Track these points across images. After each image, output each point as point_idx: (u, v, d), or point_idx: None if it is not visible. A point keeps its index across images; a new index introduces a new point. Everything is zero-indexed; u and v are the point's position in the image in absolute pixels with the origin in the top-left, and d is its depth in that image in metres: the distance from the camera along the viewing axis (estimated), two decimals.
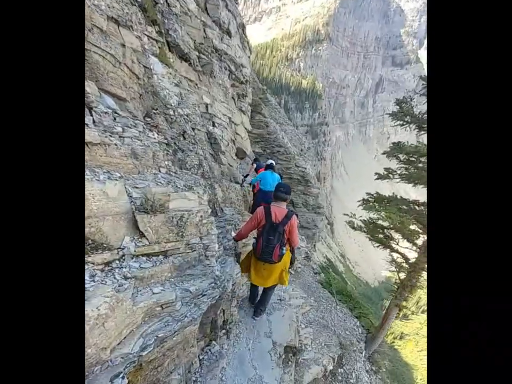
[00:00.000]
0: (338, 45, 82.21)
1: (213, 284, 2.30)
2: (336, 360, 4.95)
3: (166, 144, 3.29)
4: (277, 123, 16.53)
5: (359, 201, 6.51)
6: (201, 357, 2.66)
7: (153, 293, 1.87)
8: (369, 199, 6.32)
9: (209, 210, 2.58)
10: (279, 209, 2.93)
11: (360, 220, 6.79)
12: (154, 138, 2.94)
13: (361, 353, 5.85)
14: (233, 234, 3.46)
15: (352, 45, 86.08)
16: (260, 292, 3.87)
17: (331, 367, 4.71)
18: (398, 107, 5.82)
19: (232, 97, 6.97)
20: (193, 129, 4.39)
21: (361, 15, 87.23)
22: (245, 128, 7.73)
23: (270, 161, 6.16)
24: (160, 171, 2.74)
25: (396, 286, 5.90)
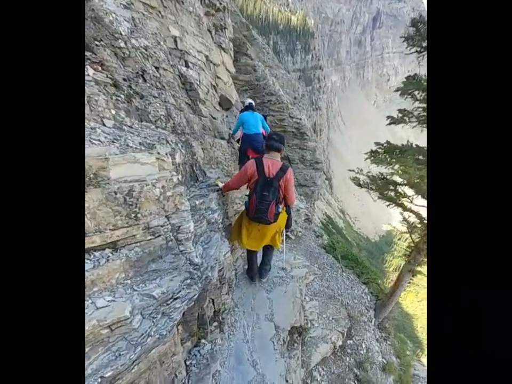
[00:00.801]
0: None
1: (189, 280, 1.77)
2: (345, 334, 4.76)
3: (114, 86, 2.53)
4: (266, 66, 15.01)
5: (366, 153, 5.89)
6: (188, 362, 2.24)
7: (96, 308, 1.32)
8: (379, 149, 5.70)
9: (177, 178, 1.96)
10: (272, 162, 2.76)
11: (367, 176, 6.27)
12: (91, 79, 2.20)
13: (371, 321, 5.73)
14: (221, 184, 3.21)
15: None
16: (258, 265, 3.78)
17: (340, 343, 4.51)
18: (413, 28, 4.91)
19: (208, 30, 5.87)
20: (156, 68, 3.55)
21: None
22: (228, 71, 6.72)
23: (249, 100, 5.63)
24: (104, 124, 2.04)
25: (409, 250, 5.58)
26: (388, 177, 5.66)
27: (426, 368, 8.35)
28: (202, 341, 2.40)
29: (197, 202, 2.66)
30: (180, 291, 1.66)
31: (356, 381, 4.18)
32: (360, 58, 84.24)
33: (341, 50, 78.60)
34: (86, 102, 1.96)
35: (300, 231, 7.04)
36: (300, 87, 22.44)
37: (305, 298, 4.77)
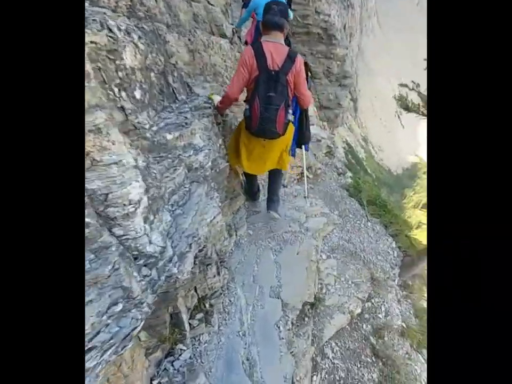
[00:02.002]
0: None
1: (122, 302, 1.06)
2: (365, 300, 4.37)
3: None
4: None
5: (425, 59, 4.57)
6: (155, 383, 1.70)
7: None
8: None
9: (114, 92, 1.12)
10: (275, 47, 2.26)
11: (420, 94, 5.13)
12: None
13: (394, 280, 5.35)
14: (217, 99, 2.64)
15: None
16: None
17: (359, 310, 4.13)
18: None
19: None
20: None
21: None
22: None
23: None
24: None
25: None
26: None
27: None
28: (179, 346, 1.84)
29: (169, 136, 1.84)
30: (103, 327, 0.96)
31: (373, 356, 3.90)
32: None
33: None
34: None
35: (319, 168, 6.25)
36: None
37: (321, 256, 4.25)
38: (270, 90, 2.24)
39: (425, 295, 7.43)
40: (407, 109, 4.84)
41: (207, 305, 2.14)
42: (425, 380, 4.85)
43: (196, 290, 2.00)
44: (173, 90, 2.27)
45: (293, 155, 3.44)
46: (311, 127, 7.59)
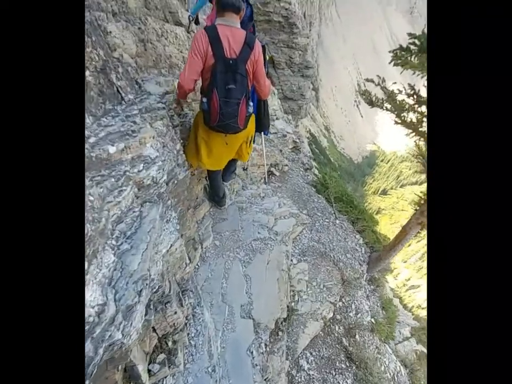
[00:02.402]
0: None
1: None
2: (337, 302, 4.28)
3: None
4: None
5: (391, 51, 4.36)
6: None
7: None
8: (411, 46, 4.13)
9: None
10: (232, 32, 2.04)
11: (384, 89, 5.00)
12: None
13: (363, 277, 5.34)
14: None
15: None
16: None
17: (331, 315, 4.03)
18: None
19: None
20: None
21: None
22: None
23: None
24: None
25: (421, 196, 4.81)
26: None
27: (409, 315, 8.62)
28: None
29: (112, 149, 1.50)
30: None
31: (347, 361, 3.82)
32: None
33: None
34: None
35: (286, 165, 6.06)
36: None
37: (291, 261, 4.08)
38: (229, 82, 2.01)
39: (391, 285, 7.54)
40: (371, 103, 4.71)
41: (169, 344, 1.84)
42: (393, 370, 4.96)
43: (154, 331, 1.69)
44: (118, 90, 1.90)
45: (266, 134, 3.49)
46: (276, 121, 7.40)
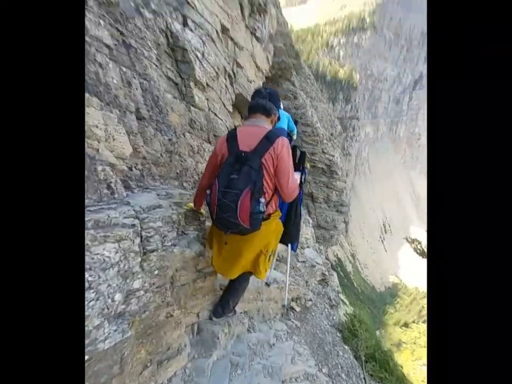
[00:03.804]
0: (382, 35, 73.60)
1: None
2: None
3: None
4: (308, 97, 12.93)
5: None
6: None
7: None
8: None
9: None
10: (252, 129, 1.61)
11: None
12: None
13: None
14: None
15: (396, 36, 76.94)
16: None
17: None
18: None
19: (240, 4, 3.81)
20: None
21: (409, 6, 77.89)
22: (256, 65, 4.60)
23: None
24: None
25: None
26: None
27: None
28: None
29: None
30: None
31: None
32: (396, 115, 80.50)
33: (379, 105, 75.87)
34: None
35: (310, 299, 4.49)
36: (338, 123, 20.05)
37: None
38: (233, 172, 1.49)
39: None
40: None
41: None
42: None
43: None
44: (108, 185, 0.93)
45: (294, 250, 2.29)
46: (306, 249, 6.07)
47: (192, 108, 2.88)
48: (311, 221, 7.82)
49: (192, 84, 2.90)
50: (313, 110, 12.61)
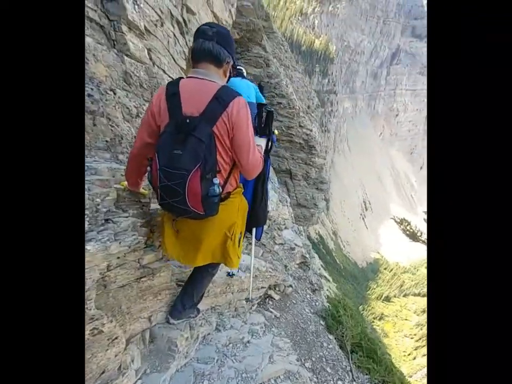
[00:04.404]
0: (358, 6, 72.42)
1: None
2: None
3: None
4: (281, 65, 12.19)
5: None
6: None
7: None
8: None
9: None
10: (199, 85, 1.19)
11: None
12: None
13: None
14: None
15: (372, 7, 75.82)
16: None
17: None
18: None
19: None
20: None
21: None
22: (215, 15, 3.89)
23: (239, 66, 3.70)
24: None
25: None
26: None
27: None
28: None
29: None
30: None
31: None
32: (374, 90, 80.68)
33: (356, 79, 75.74)
34: None
35: (291, 285, 4.15)
36: (315, 95, 19.65)
37: None
38: (175, 145, 1.10)
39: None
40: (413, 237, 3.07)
41: None
42: None
43: None
44: None
45: (258, 238, 2.00)
46: (285, 231, 5.71)
47: (126, 58, 2.26)
48: (289, 199, 7.50)
49: (124, 28, 2.26)
50: (288, 80, 11.90)
